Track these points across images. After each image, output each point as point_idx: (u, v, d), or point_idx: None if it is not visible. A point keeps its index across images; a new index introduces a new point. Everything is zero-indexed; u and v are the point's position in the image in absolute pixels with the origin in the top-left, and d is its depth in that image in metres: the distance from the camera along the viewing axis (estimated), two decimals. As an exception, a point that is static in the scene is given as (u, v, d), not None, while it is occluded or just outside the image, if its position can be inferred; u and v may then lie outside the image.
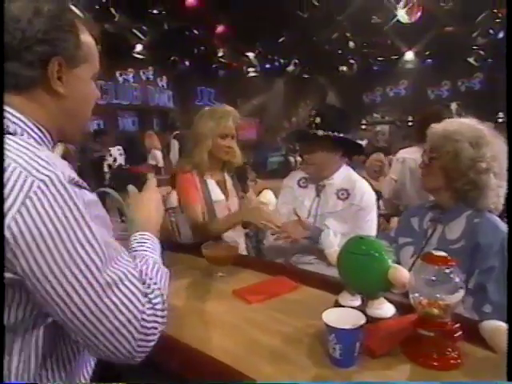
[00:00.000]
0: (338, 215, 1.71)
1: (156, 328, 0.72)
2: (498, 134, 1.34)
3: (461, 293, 0.88)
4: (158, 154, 6.63)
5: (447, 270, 0.89)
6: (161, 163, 6.57)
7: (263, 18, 6.85)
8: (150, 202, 0.98)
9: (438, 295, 0.88)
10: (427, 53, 9.21)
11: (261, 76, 10.35)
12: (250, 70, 10.10)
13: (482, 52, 8.62)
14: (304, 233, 1.65)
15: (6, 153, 0.63)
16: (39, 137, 0.75)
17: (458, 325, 0.91)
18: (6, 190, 0.60)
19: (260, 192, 2.96)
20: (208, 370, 0.92)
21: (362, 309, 1.01)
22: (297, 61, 9.98)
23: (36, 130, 0.74)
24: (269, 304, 1.23)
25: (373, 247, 1.05)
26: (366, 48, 9.21)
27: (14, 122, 0.70)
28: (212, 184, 1.92)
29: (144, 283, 0.72)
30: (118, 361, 0.69)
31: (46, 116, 0.75)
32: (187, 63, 8.98)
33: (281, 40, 8.66)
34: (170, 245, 1.68)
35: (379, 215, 2.05)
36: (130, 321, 0.66)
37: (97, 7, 6.47)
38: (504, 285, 1.18)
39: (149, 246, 0.86)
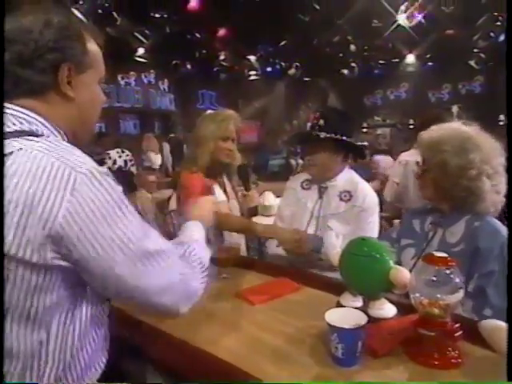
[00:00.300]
0: (341, 216, 1.72)
1: (196, 287, 0.86)
2: (486, 134, 1.33)
3: (461, 293, 0.90)
4: (153, 155, 6.67)
5: (447, 271, 0.90)
6: (155, 165, 6.61)
7: (264, 21, 6.89)
8: (205, 204, 1.16)
9: (438, 295, 0.89)
10: (428, 56, 9.23)
11: (262, 79, 10.38)
12: (252, 73, 10.15)
13: (482, 55, 8.64)
14: (306, 247, 1.63)
15: (43, 151, 0.69)
16: (60, 139, 0.80)
17: (458, 324, 0.92)
18: (55, 184, 0.66)
19: (261, 194, 2.97)
20: (212, 370, 0.93)
21: (363, 309, 1.02)
22: (298, 64, 10.02)
23: (56, 132, 0.79)
24: (271, 305, 1.25)
25: (374, 249, 1.07)
26: (366, 51, 9.24)
27: (36, 125, 0.76)
28: (216, 186, 1.94)
29: (184, 251, 0.87)
30: (166, 315, 0.86)
31: (61, 119, 0.80)
32: (189, 66, 9.03)
33: (282, 43, 8.70)
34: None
35: (381, 217, 2.06)
36: (172, 282, 0.79)
37: (99, 11, 6.52)
38: (504, 289, 1.19)
39: (195, 229, 1.00)
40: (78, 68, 0.79)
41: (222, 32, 8.23)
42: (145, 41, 7.82)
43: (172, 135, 7.58)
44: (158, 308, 0.80)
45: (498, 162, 1.30)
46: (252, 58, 9.73)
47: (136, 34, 7.61)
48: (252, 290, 1.34)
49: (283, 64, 10.09)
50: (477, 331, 0.97)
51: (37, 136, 0.73)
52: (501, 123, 8.32)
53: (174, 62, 8.74)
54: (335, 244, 1.66)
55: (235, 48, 8.95)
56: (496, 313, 1.15)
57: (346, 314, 0.94)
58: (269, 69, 10.22)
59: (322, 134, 1.67)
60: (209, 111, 2.06)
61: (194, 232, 0.98)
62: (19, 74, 0.75)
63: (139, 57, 8.17)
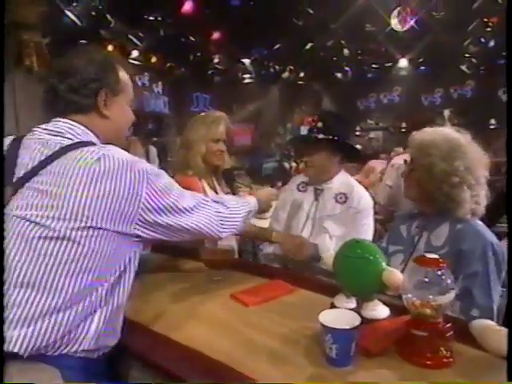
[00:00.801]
0: (337, 218, 1.75)
1: (231, 221, 1.17)
2: (476, 144, 1.36)
3: (452, 293, 0.91)
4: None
5: (439, 272, 0.92)
6: None
7: (259, 25, 6.91)
8: (269, 193, 1.53)
9: (430, 296, 0.91)
10: (420, 60, 9.31)
11: (256, 82, 10.39)
12: (246, 76, 10.15)
13: (473, 60, 8.74)
14: (307, 254, 1.65)
15: (119, 155, 0.92)
16: None
17: (449, 324, 0.94)
18: (136, 178, 0.91)
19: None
20: (207, 371, 0.94)
21: (357, 310, 1.03)
22: (292, 67, 10.05)
23: (99, 142, 1.01)
24: (266, 307, 1.26)
25: (368, 251, 1.08)
26: (360, 55, 9.30)
27: (88, 137, 0.99)
28: (207, 188, 1.94)
29: (219, 200, 1.19)
30: (214, 239, 1.30)
31: (100, 132, 1.03)
32: (183, 69, 9.01)
33: (276, 47, 8.73)
34: (169, 250, 1.70)
35: (375, 220, 2.08)
36: (213, 218, 1.10)
37: (93, 13, 6.49)
38: (488, 289, 1.22)
39: (248, 198, 1.36)
40: (112, 92, 1.03)
41: (216, 35, 8.24)
42: (139, 43, 7.80)
43: (155, 139, 7.55)
44: (207, 236, 1.13)
45: (481, 173, 1.34)
46: (246, 61, 9.74)
47: (130, 37, 7.58)
48: (246, 291, 1.35)
49: (277, 67, 10.11)
50: (468, 331, 0.99)
51: (93, 145, 0.95)
52: (491, 127, 8.43)
53: (168, 64, 8.71)
54: (329, 246, 1.67)
55: (229, 51, 8.96)
56: (483, 313, 1.18)
57: (339, 315, 0.96)
58: (263, 72, 10.24)
59: (321, 136, 1.71)
60: (202, 114, 2.06)
61: (245, 198, 1.34)
62: (70, 98, 0.99)
63: (133, 59, 8.14)
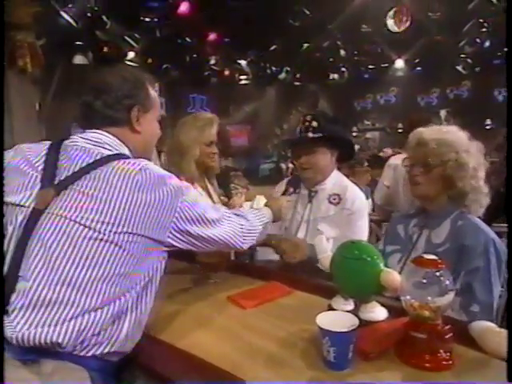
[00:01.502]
0: (331, 220, 1.73)
1: (252, 234, 1.24)
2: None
3: (451, 295, 0.90)
4: None
5: (437, 273, 0.91)
6: None
7: (255, 26, 6.91)
8: (281, 201, 1.54)
9: (428, 298, 0.90)
10: (416, 61, 9.35)
11: (253, 83, 10.39)
12: (242, 77, 10.15)
13: (469, 60, 8.78)
14: (304, 254, 1.64)
15: (156, 169, 0.99)
16: None
17: (448, 326, 0.93)
18: (173, 191, 0.98)
19: (250, 198, 2.95)
20: (204, 375, 0.92)
21: (354, 312, 1.02)
22: (288, 68, 10.06)
23: (130, 155, 1.07)
24: (263, 309, 1.25)
25: (365, 252, 1.07)
26: (356, 56, 9.32)
27: (123, 149, 1.06)
28: (200, 190, 1.92)
29: (240, 213, 1.26)
30: (237, 250, 1.26)
31: (131, 146, 1.09)
32: (179, 71, 9.00)
33: (272, 48, 8.73)
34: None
35: (371, 220, 2.07)
36: (236, 230, 1.17)
37: (89, 15, 6.47)
38: (489, 284, 1.22)
39: (262, 209, 1.40)
40: (143, 109, 1.10)
41: (212, 36, 8.23)
42: (135, 45, 7.78)
43: None
44: (231, 248, 1.19)
45: (482, 161, 1.37)
46: (243, 62, 9.75)
47: (126, 38, 7.56)
48: (243, 294, 1.34)
49: (274, 68, 10.11)
50: (467, 333, 0.98)
51: (128, 157, 1.02)
52: (487, 127, 8.47)
53: (164, 66, 8.70)
54: (326, 247, 1.66)
55: (226, 52, 8.96)
56: (483, 308, 1.19)
57: (337, 318, 0.94)
58: (259, 73, 10.24)
59: (318, 135, 1.69)
60: (188, 116, 2.01)
61: (261, 210, 1.38)
62: (105, 113, 1.06)
63: (129, 61, 8.11)
